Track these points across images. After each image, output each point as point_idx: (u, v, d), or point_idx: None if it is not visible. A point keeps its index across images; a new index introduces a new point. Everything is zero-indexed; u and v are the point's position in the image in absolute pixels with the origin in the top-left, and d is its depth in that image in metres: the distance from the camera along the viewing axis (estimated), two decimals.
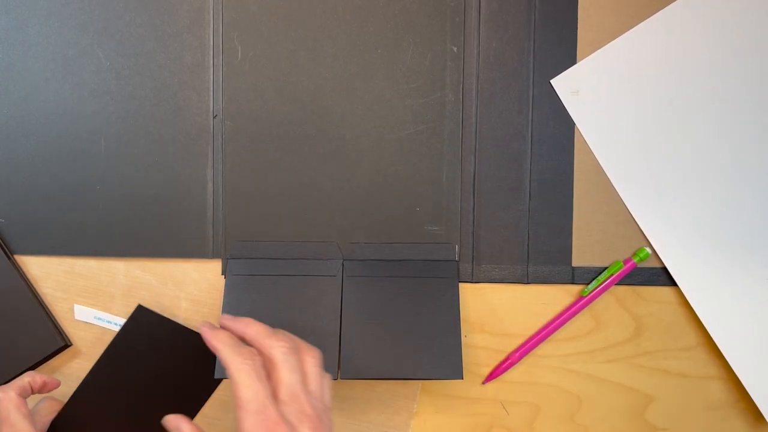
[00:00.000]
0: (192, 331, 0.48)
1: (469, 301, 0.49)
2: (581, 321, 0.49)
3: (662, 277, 0.49)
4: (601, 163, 0.48)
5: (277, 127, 0.48)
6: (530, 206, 0.49)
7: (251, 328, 0.39)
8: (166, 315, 0.48)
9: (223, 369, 0.38)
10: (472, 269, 0.49)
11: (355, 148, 0.48)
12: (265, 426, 0.34)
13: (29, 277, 0.48)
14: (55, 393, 0.45)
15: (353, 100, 0.48)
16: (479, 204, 0.49)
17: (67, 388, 0.46)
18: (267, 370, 0.37)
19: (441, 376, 0.45)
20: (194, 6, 0.48)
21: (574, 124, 0.48)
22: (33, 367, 0.47)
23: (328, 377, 0.39)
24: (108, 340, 0.48)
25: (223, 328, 0.40)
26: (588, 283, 0.49)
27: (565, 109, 0.48)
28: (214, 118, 0.48)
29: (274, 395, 0.36)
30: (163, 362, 0.47)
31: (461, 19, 0.48)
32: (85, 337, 0.49)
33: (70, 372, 0.48)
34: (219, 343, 0.38)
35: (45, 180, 0.48)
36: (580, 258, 0.49)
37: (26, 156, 0.48)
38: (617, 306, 0.49)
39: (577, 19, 0.48)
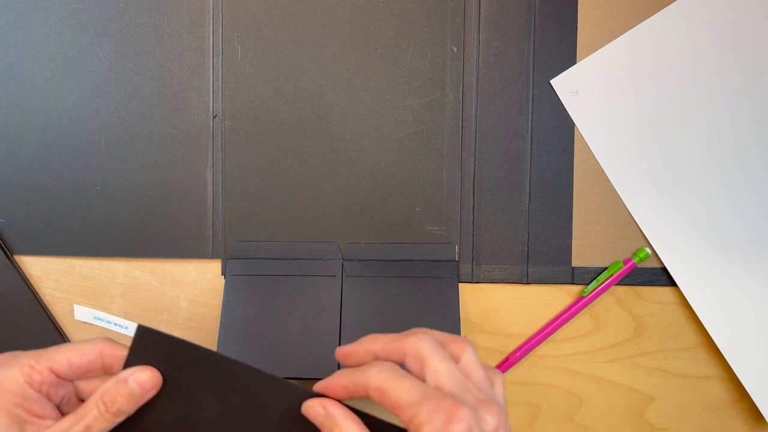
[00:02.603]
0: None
1: (469, 301, 0.49)
2: (581, 321, 0.49)
3: (662, 277, 0.49)
4: (601, 163, 0.48)
5: (277, 127, 0.48)
6: (530, 206, 0.49)
7: (379, 339, 0.33)
8: (165, 315, 0.48)
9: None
10: (472, 269, 0.49)
11: (355, 148, 0.48)
12: (443, 414, 0.28)
13: (29, 277, 0.48)
14: None
15: (353, 100, 0.48)
16: (479, 204, 0.49)
17: None
18: (416, 373, 0.31)
19: None
20: (194, 6, 0.48)
21: (574, 124, 0.48)
22: None
23: (498, 373, 0.33)
24: None
25: (343, 360, 0.34)
26: (588, 284, 0.49)
27: (565, 109, 0.48)
28: (214, 118, 0.48)
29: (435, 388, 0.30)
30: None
31: (461, 19, 0.48)
32: (84, 338, 0.49)
33: None
34: (338, 380, 0.31)
35: (45, 180, 0.48)
36: (580, 258, 0.49)
37: (26, 156, 0.48)
38: (617, 306, 0.49)
39: (577, 19, 0.48)
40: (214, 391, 0.32)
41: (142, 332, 0.32)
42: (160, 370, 0.32)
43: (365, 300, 0.47)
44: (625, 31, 0.48)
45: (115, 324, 0.48)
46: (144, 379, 0.32)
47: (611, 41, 0.48)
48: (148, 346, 0.32)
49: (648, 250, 0.48)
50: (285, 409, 0.32)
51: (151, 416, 0.32)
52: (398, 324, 0.46)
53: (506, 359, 0.49)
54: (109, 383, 0.31)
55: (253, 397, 0.32)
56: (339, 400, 0.32)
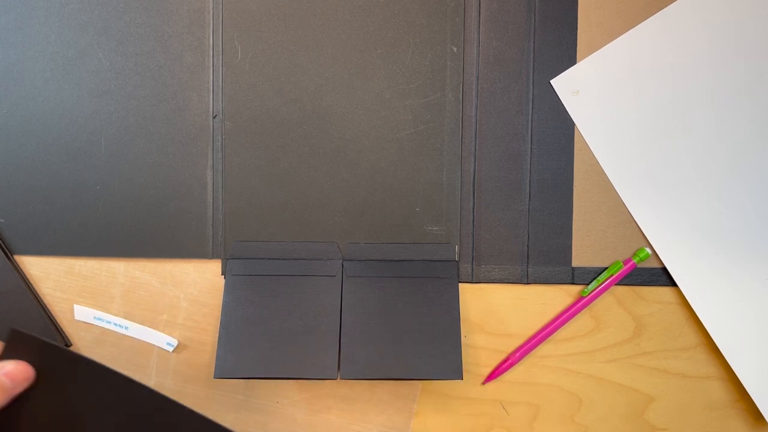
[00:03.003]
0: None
1: (469, 301, 0.49)
2: (581, 321, 0.49)
3: (662, 277, 0.49)
4: (601, 163, 0.48)
5: (277, 127, 0.48)
6: (530, 206, 0.49)
7: None
8: (165, 315, 0.48)
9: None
10: (472, 269, 0.49)
11: (355, 148, 0.48)
12: None
13: (29, 277, 0.48)
14: None
15: (353, 100, 0.48)
16: (479, 204, 0.49)
17: None
18: None
19: (441, 376, 0.45)
20: (194, 6, 0.48)
21: (574, 124, 0.48)
22: None
23: None
24: (108, 340, 0.48)
25: None
26: (588, 284, 0.49)
27: (565, 109, 0.48)
28: (213, 118, 0.48)
29: None
30: None
31: (461, 19, 0.48)
32: (84, 337, 0.49)
33: None
34: None
35: (45, 180, 0.48)
36: (580, 258, 0.49)
37: (26, 156, 0.48)
38: (617, 306, 0.49)
39: (577, 19, 0.48)
40: (89, 392, 0.33)
41: (15, 335, 0.33)
42: (33, 367, 0.33)
43: (365, 300, 0.47)
44: (625, 31, 0.48)
45: (115, 324, 0.48)
46: (15, 372, 0.32)
47: (611, 41, 0.48)
48: (21, 347, 0.33)
49: (648, 250, 0.48)
50: (155, 413, 0.34)
51: (25, 409, 0.33)
52: (398, 324, 0.46)
53: (506, 359, 0.49)
54: None
55: (124, 400, 0.34)
56: None
